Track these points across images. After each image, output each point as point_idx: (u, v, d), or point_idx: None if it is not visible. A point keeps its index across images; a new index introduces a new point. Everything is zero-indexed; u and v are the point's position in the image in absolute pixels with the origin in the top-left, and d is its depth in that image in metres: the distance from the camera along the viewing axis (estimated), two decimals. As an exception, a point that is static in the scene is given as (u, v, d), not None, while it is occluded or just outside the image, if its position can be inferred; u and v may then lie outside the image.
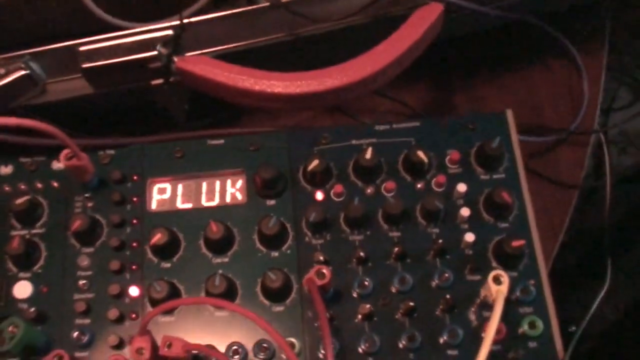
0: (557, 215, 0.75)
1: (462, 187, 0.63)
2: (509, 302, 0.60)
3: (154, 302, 0.60)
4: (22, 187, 0.66)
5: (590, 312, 0.63)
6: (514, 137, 0.66)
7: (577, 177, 0.76)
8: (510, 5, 0.70)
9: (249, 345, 0.59)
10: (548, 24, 0.76)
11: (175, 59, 0.64)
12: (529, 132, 0.75)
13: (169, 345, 0.55)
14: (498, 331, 0.58)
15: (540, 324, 0.59)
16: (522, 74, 0.80)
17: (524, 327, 0.59)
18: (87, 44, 0.65)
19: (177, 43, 0.65)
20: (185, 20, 0.64)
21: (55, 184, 0.66)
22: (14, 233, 0.64)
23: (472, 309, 0.60)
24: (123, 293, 0.62)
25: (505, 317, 0.58)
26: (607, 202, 0.70)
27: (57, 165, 0.66)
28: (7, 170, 0.67)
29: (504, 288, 0.56)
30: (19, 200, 0.63)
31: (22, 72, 0.66)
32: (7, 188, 0.66)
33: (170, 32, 0.65)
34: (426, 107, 0.79)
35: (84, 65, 0.65)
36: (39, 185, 0.66)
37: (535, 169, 0.76)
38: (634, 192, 1.42)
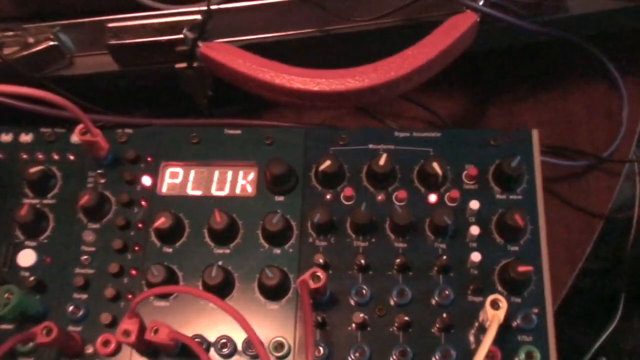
0: (579, 246, 0.72)
1: (475, 205, 0.61)
2: (508, 329, 0.58)
3: (150, 286, 0.60)
4: (40, 156, 0.66)
5: (596, 344, 0.60)
6: (537, 158, 0.63)
7: (605, 207, 0.73)
8: (551, 22, 0.68)
9: (239, 340, 0.59)
10: (592, 45, 0.73)
11: (200, 44, 0.64)
12: (560, 155, 0.72)
13: (156, 331, 0.55)
14: (492, 357, 0.56)
15: (537, 355, 0.56)
16: (559, 93, 0.78)
17: (521, 357, 0.57)
18: (116, 20, 0.65)
19: (203, 29, 0.64)
20: (213, 7, 0.64)
21: (72, 157, 0.66)
22: (25, 201, 0.65)
23: (471, 331, 0.58)
24: (122, 272, 0.62)
25: (502, 344, 0.57)
26: (632, 234, 0.67)
27: (75, 138, 0.67)
28: (27, 138, 0.67)
29: (500, 313, 0.54)
30: (33, 170, 0.64)
31: (51, 43, 0.67)
32: (24, 156, 0.67)
33: (198, 16, 0.65)
34: (456, 119, 0.77)
35: (110, 42, 0.65)
36: (56, 157, 0.66)
37: (561, 194, 0.73)
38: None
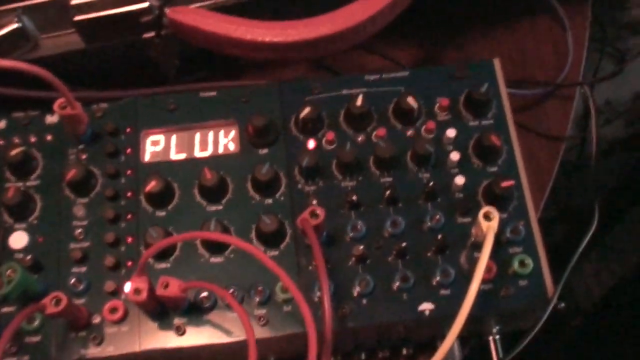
0: (545, 168, 0.76)
1: (451, 133, 0.64)
2: (499, 243, 0.61)
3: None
4: (16, 141, 0.66)
5: (577, 252, 0.64)
6: (502, 84, 0.67)
7: (564, 130, 0.77)
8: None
9: (244, 288, 0.60)
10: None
11: (167, 10, 0.65)
12: (515, 86, 0.76)
13: (166, 286, 0.56)
14: (489, 270, 0.59)
15: (530, 262, 0.60)
16: (508, 29, 0.82)
17: (514, 266, 0.60)
18: (79, -4, 0.66)
19: (168, -5, 0.65)
20: (177, -28, 0.65)
21: (49, 137, 0.66)
22: (8, 185, 0.64)
23: (464, 251, 0.61)
24: (119, 241, 0.62)
25: (496, 257, 0.60)
26: (594, 146, 0.72)
27: (51, 119, 0.67)
28: (0, 125, 0.67)
29: (494, 224, 0.57)
30: (13, 152, 0.63)
31: (15, 26, 0.66)
32: (0, 142, 0.66)
33: (161, -16, 0.66)
34: (415, 64, 0.80)
35: (76, 18, 0.65)
36: (33, 139, 0.66)
37: (522, 122, 0.77)
38: (619, 163, 1.44)
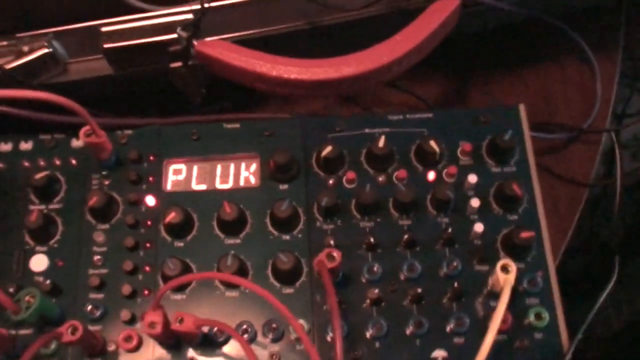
0: (567, 213, 0.75)
1: (472, 178, 0.64)
2: (515, 293, 0.61)
3: (167, 279, 0.61)
4: (41, 163, 0.67)
5: (594, 308, 0.63)
6: (526, 131, 0.66)
7: (588, 176, 0.76)
8: (526, 2, 0.71)
9: (258, 325, 0.60)
10: (563, 23, 0.77)
11: (195, 42, 0.66)
12: (541, 129, 0.76)
13: (181, 321, 0.56)
14: (504, 321, 0.59)
15: (546, 315, 0.59)
16: (536, 71, 0.81)
17: (530, 318, 0.60)
18: (110, 24, 0.66)
19: (197, 27, 0.66)
20: (206, 5, 0.65)
21: (74, 161, 0.67)
22: (31, 207, 0.65)
23: (479, 299, 0.61)
24: (137, 270, 0.63)
25: (511, 308, 0.59)
26: (617, 200, 0.71)
27: (76, 143, 0.68)
28: (27, 146, 0.68)
29: (511, 277, 0.57)
30: (38, 176, 0.64)
31: (45, 51, 0.67)
32: (26, 164, 0.67)
33: (190, 15, 0.66)
34: (440, 102, 0.80)
35: (106, 46, 0.66)
36: (58, 162, 0.67)
37: (546, 165, 0.76)
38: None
